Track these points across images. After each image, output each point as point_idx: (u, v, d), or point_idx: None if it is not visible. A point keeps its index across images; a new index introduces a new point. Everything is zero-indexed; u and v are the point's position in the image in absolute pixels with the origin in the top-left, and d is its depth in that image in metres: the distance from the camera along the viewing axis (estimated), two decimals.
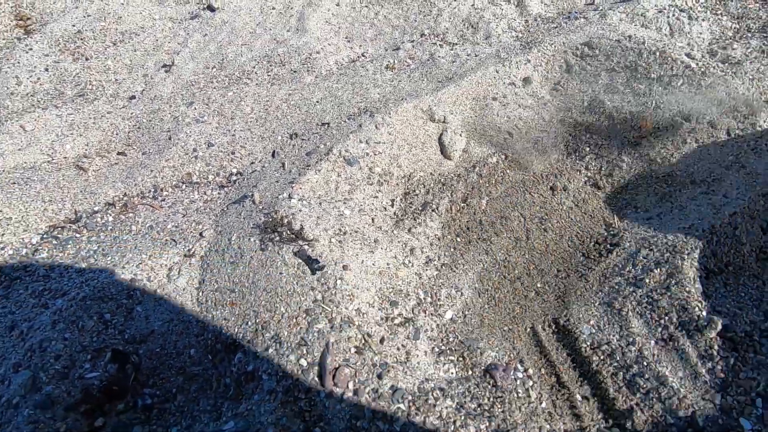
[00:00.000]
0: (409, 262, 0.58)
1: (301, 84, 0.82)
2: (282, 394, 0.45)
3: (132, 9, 1.01)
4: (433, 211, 0.63)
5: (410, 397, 0.43)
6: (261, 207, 0.58)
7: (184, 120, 0.76)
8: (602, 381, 0.49)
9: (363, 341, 0.46)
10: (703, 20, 0.86)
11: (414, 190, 0.67)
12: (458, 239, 0.64)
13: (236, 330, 0.51)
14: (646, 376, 0.47)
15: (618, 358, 0.49)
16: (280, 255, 0.51)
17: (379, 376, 0.44)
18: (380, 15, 1.00)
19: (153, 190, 0.69)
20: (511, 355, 0.52)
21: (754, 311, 0.51)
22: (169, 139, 0.73)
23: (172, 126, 0.75)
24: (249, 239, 0.54)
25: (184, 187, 0.69)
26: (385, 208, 0.64)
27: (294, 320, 0.48)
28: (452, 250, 0.62)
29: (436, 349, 0.50)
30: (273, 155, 0.71)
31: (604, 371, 0.49)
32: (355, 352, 0.45)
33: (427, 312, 0.54)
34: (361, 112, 0.71)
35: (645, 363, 0.48)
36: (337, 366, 0.45)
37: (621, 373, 0.48)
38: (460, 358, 0.50)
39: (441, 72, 0.80)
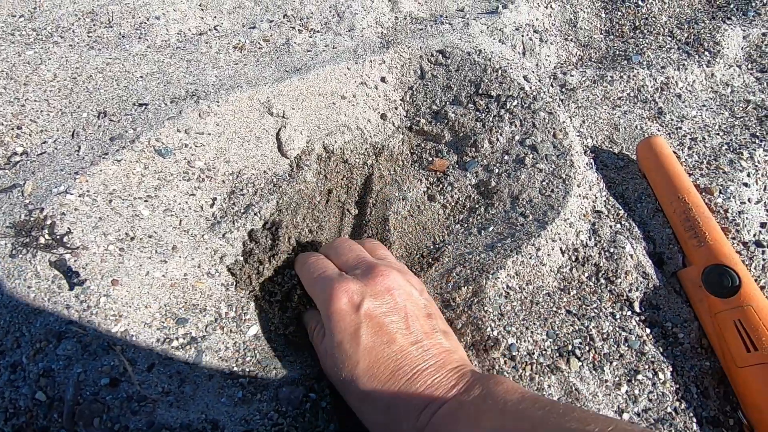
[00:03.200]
0: (217, 271, 0.53)
1: (127, 53, 0.70)
2: None
3: None
4: (255, 214, 0.58)
5: None
6: (27, 201, 0.48)
7: None
8: None
9: (122, 370, 0.40)
10: (552, 44, 0.91)
11: (242, 189, 0.62)
12: None
13: None
14: None
15: None
16: (31, 265, 0.42)
17: (134, 412, 0.39)
18: None
19: None
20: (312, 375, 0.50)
21: (539, 331, 0.54)
22: None
23: None
24: None
25: None
26: (202, 208, 0.58)
27: (38, 345, 0.40)
28: None
29: (226, 371, 0.46)
30: (73, 136, 0.60)
31: None
32: (109, 384, 0.39)
33: (225, 329, 0.49)
34: (188, 96, 0.63)
35: None
36: (81, 401, 0.38)
37: None
38: (251, 381, 0.47)
39: (292, 61, 0.74)
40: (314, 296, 0.46)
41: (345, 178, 0.70)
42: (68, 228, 0.45)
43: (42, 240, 0.43)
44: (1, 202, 0.50)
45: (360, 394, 0.39)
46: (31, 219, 0.45)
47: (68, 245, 0.43)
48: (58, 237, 0.43)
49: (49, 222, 0.45)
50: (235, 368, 0.47)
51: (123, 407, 0.38)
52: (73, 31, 0.73)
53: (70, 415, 0.37)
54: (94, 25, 0.75)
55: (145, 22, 0.77)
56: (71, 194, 0.48)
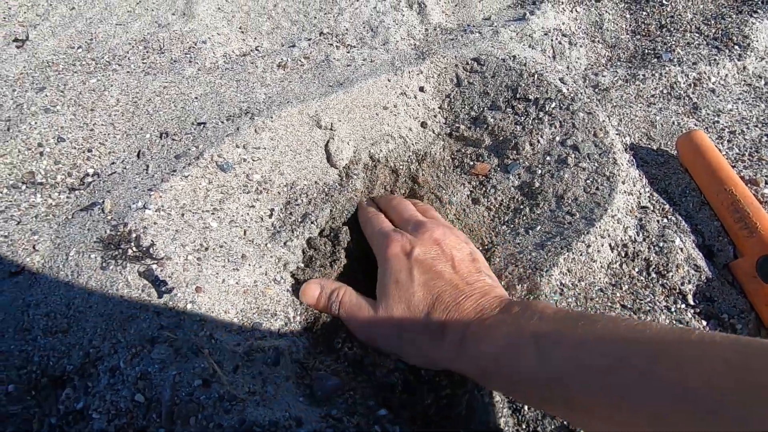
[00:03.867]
0: (282, 278, 0.55)
1: (180, 76, 0.74)
2: None
3: None
4: (312, 222, 0.61)
5: (260, 431, 0.40)
6: (110, 218, 0.51)
7: (29, 108, 0.65)
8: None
9: (212, 372, 0.42)
10: (581, 46, 0.92)
11: (296, 200, 0.64)
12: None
13: (66, 361, 0.44)
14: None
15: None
16: (122, 275, 0.45)
17: (227, 411, 0.41)
18: (279, 7, 0.94)
19: None
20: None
21: None
22: (8, 130, 0.62)
23: (14, 114, 0.64)
24: (89, 256, 0.48)
25: (24, 188, 0.60)
26: (262, 219, 0.60)
27: (134, 350, 0.43)
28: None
29: (301, 372, 0.48)
30: (138, 156, 0.64)
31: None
32: (202, 384, 0.41)
33: (295, 332, 0.51)
34: (242, 114, 0.67)
35: None
36: (178, 401, 0.41)
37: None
38: None
39: (334, 75, 0.77)
40: (373, 244, 0.56)
41: (391, 185, 0.72)
42: (151, 240, 0.48)
43: (130, 252, 0.46)
44: (84, 219, 0.54)
45: (412, 320, 0.45)
46: (117, 234, 0.48)
47: (154, 256, 0.46)
48: (144, 249, 0.46)
49: (134, 236, 0.48)
50: (309, 370, 0.49)
51: (216, 406, 0.41)
52: (128, 59, 0.78)
53: (169, 414, 0.40)
54: (147, 51, 0.80)
55: (194, 47, 0.81)
56: (149, 209, 0.51)
